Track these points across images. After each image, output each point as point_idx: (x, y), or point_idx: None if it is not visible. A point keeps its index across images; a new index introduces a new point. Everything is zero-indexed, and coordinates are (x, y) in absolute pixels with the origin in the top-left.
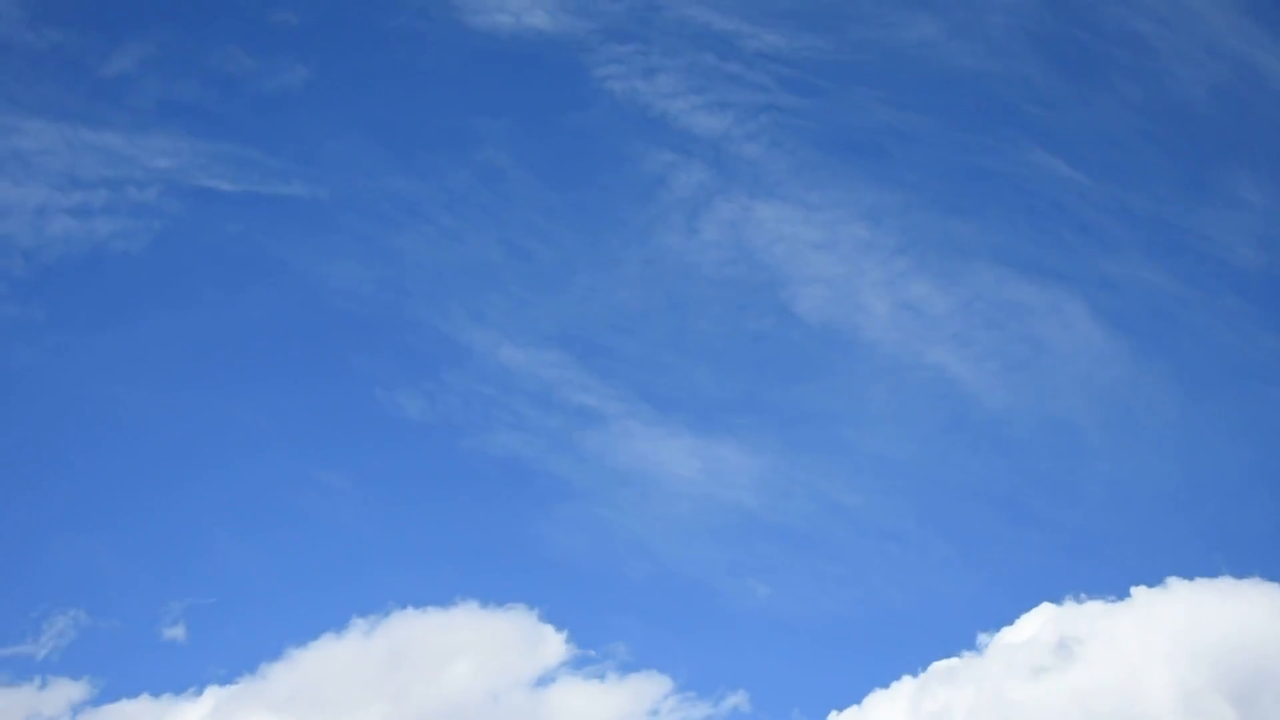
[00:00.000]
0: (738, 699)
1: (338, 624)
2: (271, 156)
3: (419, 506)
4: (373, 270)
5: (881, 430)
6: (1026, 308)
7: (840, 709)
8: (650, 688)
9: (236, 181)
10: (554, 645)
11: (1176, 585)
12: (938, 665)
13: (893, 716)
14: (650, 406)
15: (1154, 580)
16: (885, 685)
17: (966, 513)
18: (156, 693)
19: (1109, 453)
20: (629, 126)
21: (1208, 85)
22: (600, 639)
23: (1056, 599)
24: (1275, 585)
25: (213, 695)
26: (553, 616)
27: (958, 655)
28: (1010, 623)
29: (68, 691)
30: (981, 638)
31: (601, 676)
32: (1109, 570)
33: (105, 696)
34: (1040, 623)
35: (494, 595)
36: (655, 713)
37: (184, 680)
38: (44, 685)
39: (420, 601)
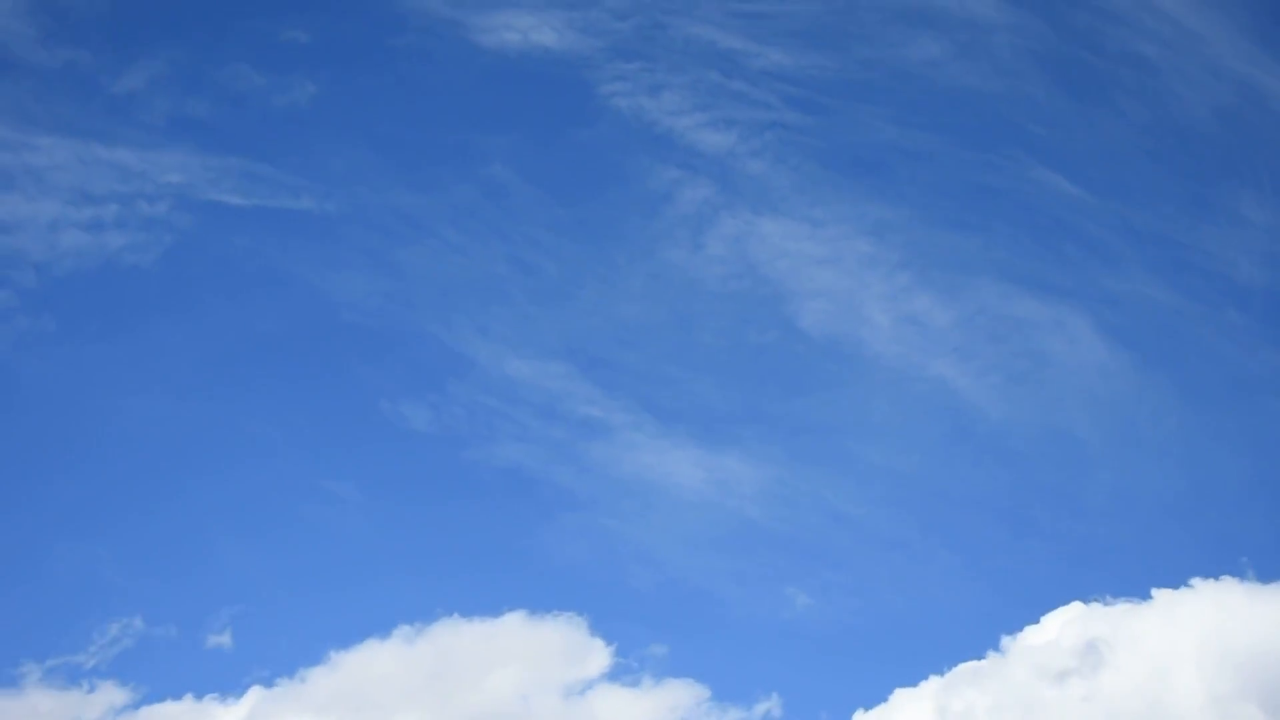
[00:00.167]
0: (770, 703)
1: (381, 630)
2: (280, 171)
3: (423, 516)
4: (379, 283)
5: (884, 442)
6: (1029, 322)
7: (867, 708)
8: (684, 695)
9: (246, 196)
10: (599, 655)
11: (1201, 586)
12: (962, 667)
13: (919, 716)
14: (655, 418)
15: (1177, 583)
16: (913, 684)
17: (970, 523)
18: (200, 695)
19: (1111, 464)
20: (634, 143)
21: (1210, 105)
22: (631, 647)
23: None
24: None
25: (255, 695)
26: (599, 628)
27: (982, 657)
28: (1024, 628)
29: (111, 696)
30: (1005, 640)
31: (636, 684)
32: (1122, 575)
33: (148, 699)
34: (1062, 624)
35: (540, 604)
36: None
37: (227, 683)
38: (91, 690)
39: (467, 610)
